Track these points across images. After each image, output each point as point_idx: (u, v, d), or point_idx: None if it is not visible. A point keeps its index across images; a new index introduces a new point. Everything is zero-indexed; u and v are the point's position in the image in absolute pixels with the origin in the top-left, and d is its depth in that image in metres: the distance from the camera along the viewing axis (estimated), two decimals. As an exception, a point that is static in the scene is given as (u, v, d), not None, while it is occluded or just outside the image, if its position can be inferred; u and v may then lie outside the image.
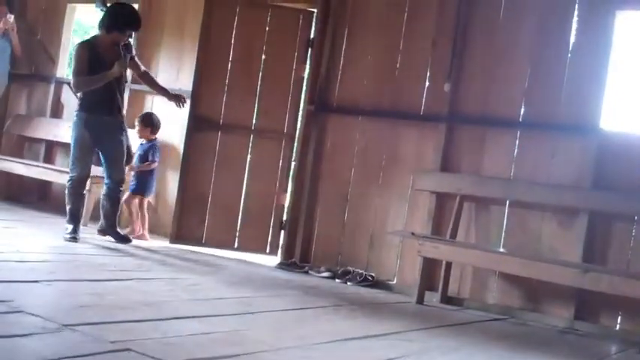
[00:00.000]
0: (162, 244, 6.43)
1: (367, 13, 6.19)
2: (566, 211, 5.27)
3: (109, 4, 6.00)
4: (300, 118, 6.42)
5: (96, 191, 6.51)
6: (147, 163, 6.50)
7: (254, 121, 6.55)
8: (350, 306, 4.70)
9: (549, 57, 5.44)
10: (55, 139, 7.68)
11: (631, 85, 5.42)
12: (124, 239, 5.90)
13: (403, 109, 5.97)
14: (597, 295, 4.86)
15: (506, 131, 5.56)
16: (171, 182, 7.07)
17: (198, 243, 6.47)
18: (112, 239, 5.88)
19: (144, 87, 7.17)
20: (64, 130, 7.18)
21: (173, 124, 7.07)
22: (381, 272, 5.85)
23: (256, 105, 6.55)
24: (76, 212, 5.74)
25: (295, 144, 6.41)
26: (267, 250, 6.44)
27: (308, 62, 6.42)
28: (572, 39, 5.36)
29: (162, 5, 7.35)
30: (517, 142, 5.51)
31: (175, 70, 7.24)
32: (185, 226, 6.54)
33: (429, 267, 5.39)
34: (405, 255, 5.80)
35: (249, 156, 6.54)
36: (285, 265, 6.11)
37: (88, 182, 6.18)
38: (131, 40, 6.04)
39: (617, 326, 5.00)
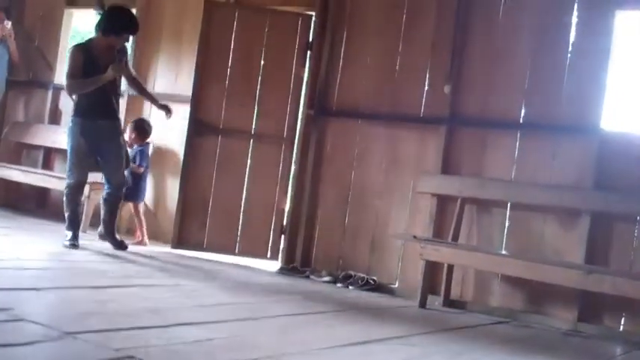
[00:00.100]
0: (162, 249, 6.40)
1: (366, 16, 6.17)
2: (568, 213, 5.25)
3: (107, 7, 5.93)
4: (299, 122, 6.39)
5: (94, 197, 6.48)
6: (134, 166, 6.43)
7: (254, 126, 6.53)
8: (352, 310, 4.67)
9: (549, 58, 5.42)
10: (53, 146, 7.64)
11: (632, 84, 5.40)
12: (121, 245, 5.82)
13: (403, 111, 5.96)
14: (600, 297, 4.85)
15: (507, 133, 5.54)
16: (170, 188, 7.05)
17: (200, 248, 6.44)
18: (110, 245, 5.83)
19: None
20: (62, 137, 7.10)
21: (172, 129, 7.04)
22: (383, 276, 5.83)
23: (256, 109, 6.53)
24: (75, 219, 5.70)
25: (295, 148, 6.38)
26: (268, 255, 6.41)
27: (307, 66, 6.39)
28: (572, 39, 5.35)
29: (160, 10, 7.32)
30: (518, 143, 5.49)
31: (174, 74, 7.22)
32: (186, 232, 6.52)
33: (431, 270, 5.36)
34: (406, 258, 5.77)
35: (249, 160, 6.52)
36: (286, 269, 6.08)
37: (87, 188, 6.16)
38: (127, 45, 6.00)
39: (621, 327, 4.98)
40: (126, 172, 5.91)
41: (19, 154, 8.06)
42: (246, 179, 6.50)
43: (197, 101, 6.56)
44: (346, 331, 3.93)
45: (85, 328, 2.93)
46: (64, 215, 5.71)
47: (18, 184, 7.49)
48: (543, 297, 5.22)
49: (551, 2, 5.48)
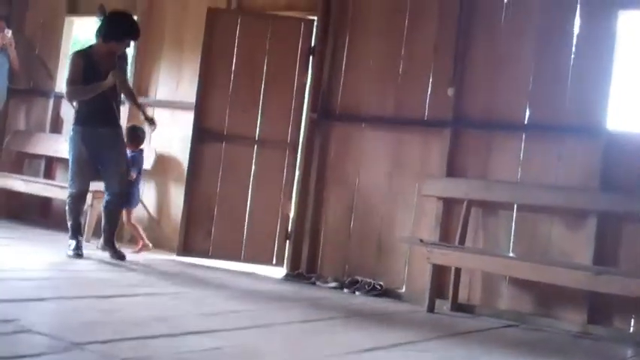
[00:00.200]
0: (166, 257, 6.36)
1: (368, 20, 6.14)
2: (575, 214, 5.21)
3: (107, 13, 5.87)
4: (303, 127, 6.35)
5: (97, 206, 6.43)
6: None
7: (257, 131, 6.49)
8: (360, 316, 4.63)
9: (552, 59, 5.40)
10: (55, 155, 7.60)
11: (637, 84, 5.36)
12: (119, 256, 5.67)
13: (407, 115, 5.93)
14: (609, 298, 4.82)
15: (512, 134, 5.51)
16: (173, 195, 7.02)
17: (205, 255, 6.40)
18: (108, 255, 5.71)
19: (144, 99, 7.14)
20: (63, 145, 7.06)
21: (174, 136, 7.04)
22: (390, 281, 5.78)
23: (259, 115, 6.49)
24: (78, 228, 5.67)
25: (299, 153, 6.35)
26: (274, 262, 6.36)
27: (310, 70, 6.35)
28: (575, 40, 5.32)
29: (162, 17, 7.30)
30: (523, 145, 5.47)
31: (175, 82, 7.19)
32: (191, 239, 6.49)
33: (439, 274, 5.31)
34: (413, 262, 5.73)
35: (253, 166, 6.47)
36: (292, 276, 6.04)
37: (90, 197, 6.12)
38: (128, 52, 5.96)
39: (631, 329, 4.94)
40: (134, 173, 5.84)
41: (21, 163, 8.03)
42: (250, 185, 6.46)
43: (201, 108, 6.55)
44: (355, 337, 3.89)
45: (91, 338, 2.89)
46: (66, 224, 5.68)
47: (20, 194, 7.45)
48: (552, 299, 5.18)
49: (553, 4, 5.45)
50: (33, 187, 7.25)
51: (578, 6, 5.31)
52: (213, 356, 2.92)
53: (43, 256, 5.51)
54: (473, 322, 4.98)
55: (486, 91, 5.62)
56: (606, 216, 5.08)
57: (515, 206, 5.43)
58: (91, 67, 5.51)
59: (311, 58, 6.35)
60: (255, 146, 6.48)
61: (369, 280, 5.74)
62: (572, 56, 5.32)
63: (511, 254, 5.34)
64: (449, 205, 5.64)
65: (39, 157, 7.85)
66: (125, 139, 6.19)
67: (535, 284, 5.12)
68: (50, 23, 8.05)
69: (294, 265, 6.19)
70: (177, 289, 4.79)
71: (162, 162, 7.08)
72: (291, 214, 6.37)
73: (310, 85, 6.32)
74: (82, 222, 5.85)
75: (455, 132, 5.66)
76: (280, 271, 6.22)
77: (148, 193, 7.17)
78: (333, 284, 5.83)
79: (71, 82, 5.51)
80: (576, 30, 5.31)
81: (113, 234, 5.77)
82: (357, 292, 5.65)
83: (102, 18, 5.72)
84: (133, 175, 6.26)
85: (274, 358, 3.06)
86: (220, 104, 6.53)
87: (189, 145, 6.74)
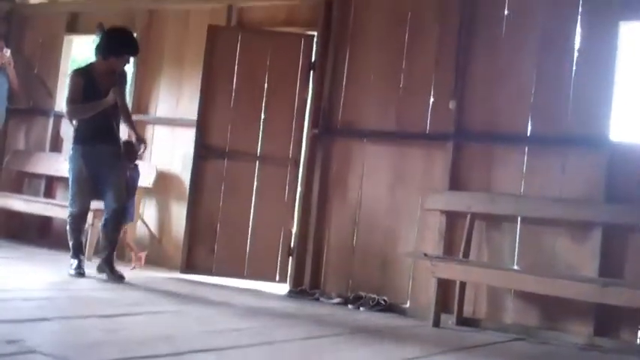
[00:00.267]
0: (168, 275, 6.32)
1: (368, 35, 6.14)
2: (580, 226, 5.18)
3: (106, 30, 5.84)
4: (304, 142, 6.33)
5: (98, 225, 6.36)
6: None
7: (259, 147, 6.48)
8: (365, 332, 4.59)
9: (554, 70, 5.40)
10: (55, 174, 7.57)
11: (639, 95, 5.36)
12: (116, 277, 5.49)
13: (408, 128, 5.91)
14: (616, 310, 4.78)
15: (514, 147, 5.49)
16: (175, 212, 6.99)
17: (208, 272, 6.37)
18: (105, 276, 5.53)
19: (144, 117, 7.15)
20: (64, 164, 7.02)
21: (174, 153, 7.03)
22: (394, 296, 5.74)
23: (261, 131, 6.48)
24: (79, 247, 5.63)
25: (301, 168, 6.33)
26: (277, 278, 6.32)
27: (310, 86, 6.34)
28: (576, 51, 5.32)
29: (161, 34, 7.31)
30: (526, 157, 5.44)
31: (175, 99, 7.18)
32: (194, 256, 6.47)
33: (443, 288, 5.27)
34: (417, 277, 5.70)
35: (255, 183, 6.45)
36: (295, 292, 6.00)
37: (91, 216, 6.07)
38: (127, 69, 5.93)
39: (638, 340, 4.90)
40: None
41: (21, 183, 8.00)
42: (253, 202, 6.43)
43: (203, 125, 6.55)
44: (360, 354, 3.85)
45: (97, 358, 2.87)
46: (67, 243, 5.64)
47: (20, 214, 7.42)
48: (558, 312, 5.14)
49: (553, 16, 5.45)
50: (33, 207, 7.21)
51: (579, 17, 5.31)
52: (221, 375, 2.89)
53: (45, 276, 5.47)
54: (479, 337, 4.94)
55: (488, 103, 5.61)
56: (611, 228, 5.05)
57: (519, 219, 5.40)
58: (90, 85, 5.48)
59: (311, 73, 6.35)
60: (257, 162, 6.46)
61: (373, 296, 5.70)
62: (574, 68, 5.31)
63: (516, 267, 5.30)
64: (452, 218, 5.61)
65: (39, 176, 7.83)
66: None
67: (540, 297, 5.08)
68: (49, 42, 8.04)
69: (297, 281, 6.15)
70: (180, 307, 4.75)
71: (163, 179, 7.05)
72: (294, 230, 6.34)
73: (311, 101, 6.31)
74: (84, 241, 5.81)
75: (457, 145, 5.64)
76: (283, 288, 6.18)
77: (148, 210, 7.14)
78: (337, 300, 5.79)
79: (71, 100, 5.48)
80: (577, 41, 5.31)
81: (112, 254, 5.61)
82: (361, 308, 5.61)
83: (101, 35, 5.70)
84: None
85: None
86: (222, 121, 6.53)
87: (190, 162, 6.74)
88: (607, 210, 5.07)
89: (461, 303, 5.38)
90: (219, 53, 6.55)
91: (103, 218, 5.68)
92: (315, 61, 6.34)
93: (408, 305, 5.70)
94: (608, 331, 4.96)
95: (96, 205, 5.90)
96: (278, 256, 6.35)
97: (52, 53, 8.00)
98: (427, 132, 5.83)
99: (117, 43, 5.51)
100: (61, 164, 7.27)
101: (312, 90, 6.31)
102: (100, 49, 5.54)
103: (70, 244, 5.58)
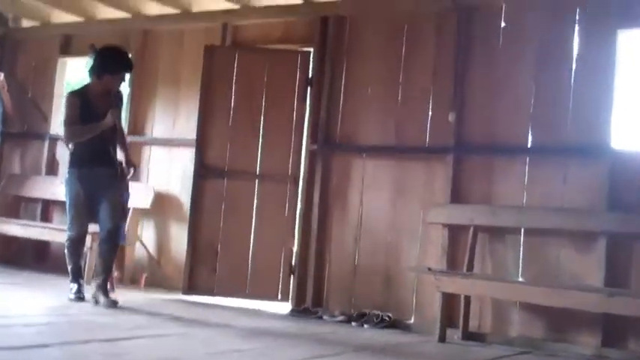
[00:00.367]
0: (169, 297, 6.25)
1: (364, 48, 6.12)
2: (584, 236, 5.15)
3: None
4: (303, 159, 6.28)
5: (97, 248, 6.33)
6: None
7: (258, 166, 6.44)
8: (370, 350, 4.53)
9: (553, 80, 5.38)
10: (52, 198, 7.49)
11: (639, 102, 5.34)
12: (110, 303, 5.27)
13: (408, 142, 5.88)
14: (623, 320, 4.75)
15: (515, 158, 5.46)
16: (174, 233, 6.93)
17: (210, 293, 6.33)
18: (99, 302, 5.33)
19: (140, 138, 7.10)
20: (60, 188, 6.92)
21: (172, 173, 6.99)
22: (398, 312, 5.68)
23: (260, 149, 6.45)
24: (78, 271, 5.54)
25: (300, 185, 6.28)
26: (279, 297, 6.25)
27: (308, 102, 6.31)
28: (575, 60, 5.30)
29: (156, 54, 7.28)
30: (527, 168, 5.42)
31: (171, 118, 7.14)
32: (196, 277, 6.42)
33: (448, 302, 5.22)
34: (421, 292, 5.64)
35: (255, 201, 6.40)
36: (297, 311, 5.94)
37: (89, 239, 5.98)
38: (123, 89, 5.87)
39: (646, 350, 4.85)
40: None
41: (17, 207, 7.92)
42: (253, 220, 6.39)
43: (202, 145, 6.54)
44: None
45: (101, 384, 2.79)
46: (65, 268, 5.55)
47: (16, 238, 7.34)
48: (564, 323, 5.09)
49: (550, 25, 5.44)
50: (30, 232, 7.14)
51: (576, 27, 5.30)
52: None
53: (44, 301, 5.40)
54: (485, 351, 4.89)
55: (487, 115, 5.58)
56: (616, 236, 5.01)
57: (523, 230, 5.36)
58: (87, 106, 5.40)
59: (309, 89, 6.32)
60: (257, 180, 6.42)
61: (377, 312, 5.64)
62: (573, 77, 5.29)
63: (520, 279, 5.25)
64: (455, 232, 5.56)
65: (35, 200, 7.76)
66: None
67: (546, 309, 5.04)
68: (43, 65, 8.00)
69: (299, 299, 6.09)
70: (182, 330, 4.68)
71: (161, 200, 6.99)
72: (295, 248, 6.28)
73: (309, 116, 6.28)
74: (83, 264, 5.73)
75: (457, 158, 5.60)
76: (286, 307, 6.11)
77: (147, 232, 7.08)
78: (341, 318, 5.72)
79: (69, 122, 5.40)
80: (575, 50, 5.30)
81: (107, 280, 5.45)
82: (365, 325, 5.54)
83: (94, 55, 5.64)
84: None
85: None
86: (221, 140, 6.51)
87: (188, 182, 6.72)
88: (611, 219, 5.04)
89: (466, 317, 5.33)
90: (217, 72, 6.54)
91: (98, 239, 5.59)
92: (312, 76, 6.31)
93: (412, 321, 5.64)
94: (616, 342, 4.92)
95: (94, 228, 5.82)
96: (280, 274, 6.29)
97: (46, 76, 7.95)
98: (427, 145, 5.80)
99: (110, 61, 5.45)
100: (57, 188, 7.19)
101: (310, 106, 6.29)
102: (94, 70, 5.47)
103: (69, 268, 5.50)
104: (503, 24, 5.57)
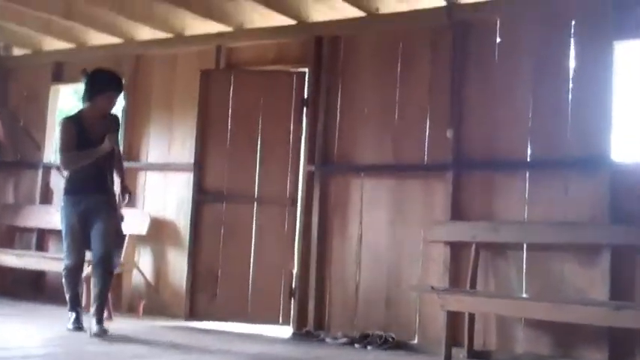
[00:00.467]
0: (168, 324, 6.16)
1: (360, 67, 6.10)
2: (587, 249, 5.09)
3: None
4: (301, 180, 6.23)
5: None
6: None
7: (256, 189, 6.39)
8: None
9: (550, 93, 5.36)
10: (47, 227, 7.42)
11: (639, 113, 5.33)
12: (98, 331, 5.11)
13: (406, 160, 5.85)
14: (630, 333, 4.69)
15: (515, 173, 5.43)
16: (171, 259, 6.86)
17: (211, 318, 6.28)
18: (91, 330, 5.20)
19: (135, 163, 7.05)
20: (55, 216, 6.85)
21: (167, 198, 6.93)
22: (401, 332, 5.61)
23: (257, 171, 6.40)
24: (76, 299, 5.45)
25: (298, 206, 6.22)
26: (280, 321, 6.17)
27: (304, 122, 6.27)
28: (572, 73, 5.29)
29: (149, 79, 7.25)
30: (527, 182, 5.38)
31: (166, 143, 7.09)
32: (197, 303, 6.38)
33: (451, 321, 5.16)
34: (424, 311, 5.58)
35: (254, 224, 6.35)
36: (299, 335, 5.87)
37: (87, 267, 5.90)
38: (117, 112, 5.80)
39: (655, 363, 4.79)
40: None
41: (12, 237, 7.83)
42: (252, 244, 6.34)
43: (200, 169, 6.53)
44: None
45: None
46: (62, 297, 5.46)
47: (12, 269, 7.23)
48: (570, 339, 5.03)
49: (546, 39, 5.43)
50: (26, 261, 7.05)
51: (572, 39, 5.29)
52: None
53: (42, 332, 5.29)
54: (493, 369, 4.82)
55: (486, 130, 5.55)
56: (619, 249, 4.96)
57: (525, 246, 5.31)
58: (82, 132, 5.32)
59: (305, 109, 6.29)
60: (255, 203, 6.38)
61: (380, 333, 5.57)
62: (570, 90, 5.27)
63: (525, 295, 5.19)
64: (456, 249, 5.51)
65: (30, 230, 7.67)
66: None
67: (551, 325, 4.99)
68: (35, 93, 7.95)
69: (300, 322, 6.02)
70: (185, 357, 4.61)
71: (157, 226, 6.91)
72: (294, 271, 6.20)
73: (306, 137, 6.24)
74: (81, 292, 5.63)
75: (457, 174, 5.56)
76: (287, 330, 6.03)
77: (143, 258, 7.00)
78: (343, 340, 5.65)
79: (65, 149, 5.30)
80: (572, 63, 5.29)
81: (100, 308, 5.26)
82: (368, 347, 5.47)
83: (85, 80, 5.57)
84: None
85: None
86: (218, 164, 6.50)
87: (184, 207, 6.70)
88: (614, 231, 4.99)
89: (471, 335, 5.26)
90: (213, 96, 6.54)
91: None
92: (307, 97, 6.29)
93: (416, 341, 5.58)
94: (624, 355, 4.86)
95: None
96: (280, 297, 6.22)
97: (38, 104, 7.90)
98: (425, 163, 5.77)
99: (100, 81, 5.37)
100: (52, 216, 7.13)
101: (307, 126, 6.25)
102: (85, 94, 5.40)
103: (67, 296, 5.41)
104: (498, 39, 5.56)
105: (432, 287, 5.26)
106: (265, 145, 6.41)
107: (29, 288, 7.50)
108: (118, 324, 5.62)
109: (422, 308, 5.59)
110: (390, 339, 5.52)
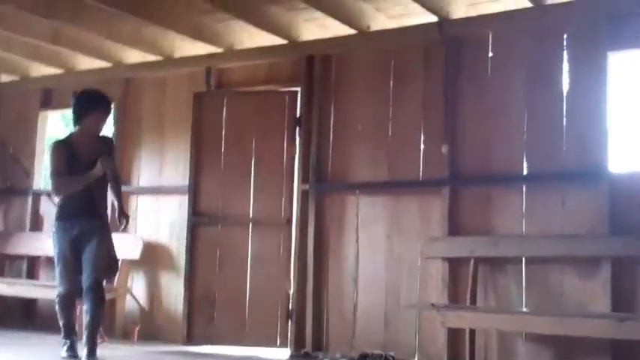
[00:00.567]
0: (164, 349, 6.06)
1: (352, 85, 6.09)
2: (587, 261, 5.06)
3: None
4: (295, 199, 6.18)
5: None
6: None
7: (251, 210, 6.34)
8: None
9: (544, 106, 5.35)
10: (37, 254, 7.32)
11: (635, 123, 5.32)
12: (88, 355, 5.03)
13: (401, 177, 5.81)
14: (633, 345, 4.63)
15: (512, 187, 5.41)
16: (164, 283, 6.77)
17: (209, 342, 6.20)
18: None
19: (126, 187, 6.95)
20: (46, 243, 6.75)
21: (160, 222, 6.86)
22: (401, 351, 5.54)
23: (252, 193, 6.35)
24: (70, 326, 5.30)
25: (294, 226, 6.16)
26: (278, 342, 6.09)
27: (297, 141, 6.24)
28: (566, 85, 5.29)
29: (139, 102, 7.20)
30: (524, 196, 5.36)
31: (157, 166, 7.03)
32: (195, 327, 6.30)
33: (452, 338, 5.10)
34: (423, 329, 5.52)
35: (250, 246, 6.29)
36: (297, 356, 5.80)
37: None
38: (108, 132, 5.72)
39: (659, 376, 4.74)
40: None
41: (2, 265, 7.71)
42: (249, 266, 6.27)
43: (195, 192, 6.49)
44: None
45: None
46: (55, 325, 5.31)
47: (2, 297, 7.10)
48: (572, 352, 5.00)
49: (539, 52, 5.43)
50: (17, 289, 6.94)
51: (565, 51, 5.30)
52: None
53: (35, 360, 5.20)
54: (496, 385, 4.75)
55: (481, 144, 5.53)
56: (620, 261, 4.93)
57: (524, 260, 5.27)
58: (72, 156, 5.22)
59: (297, 128, 6.25)
60: (250, 225, 6.33)
61: (379, 353, 5.48)
62: (565, 102, 5.26)
63: (525, 309, 5.14)
64: (455, 265, 5.46)
65: (20, 257, 7.56)
66: None
67: (552, 339, 4.96)
68: (23, 120, 7.89)
69: (298, 344, 5.95)
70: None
71: (150, 250, 6.83)
72: (291, 292, 6.13)
73: (299, 156, 6.20)
74: (75, 319, 5.50)
75: (453, 190, 5.53)
76: (285, 352, 5.94)
77: (137, 283, 6.91)
78: (342, 360, 5.58)
79: (56, 174, 5.18)
80: (566, 75, 5.28)
81: (91, 335, 5.08)
82: (368, 367, 5.40)
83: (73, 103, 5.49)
84: None
85: None
86: (213, 186, 6.46)
87: (177, 231, 6.65)
88: (614, 243, 4.96)
89: (472, 352, 5.19)
90: (206, 118, 6.52)
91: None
92: (300, 116, 6.26)
93: (416, 359, 5.50)
94: (627, 368, 4.81)
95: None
96: (277, 319, 6.14)
97: (27, 131, 7.83)
98: (421, 179, 5.73)
99: (86, 102, 5.25)
100: (42, 243, 7.03)
101: (300, 145, 6.21)
102: (73, 116, 5.31)
103: (61, 323, 5.27)
104: (491, 53, 5.56)
105: (432, 304, 5.21)
106: (259, 165, 6.37)
107: (21, 316, 7.38)
108: (112, 350, 5.51)
109: (421, 326, 5.53)
110: (390, 358, 5.44)
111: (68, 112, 6.52)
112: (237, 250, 6.30)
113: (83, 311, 5.31)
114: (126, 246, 6.34)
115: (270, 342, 6.11)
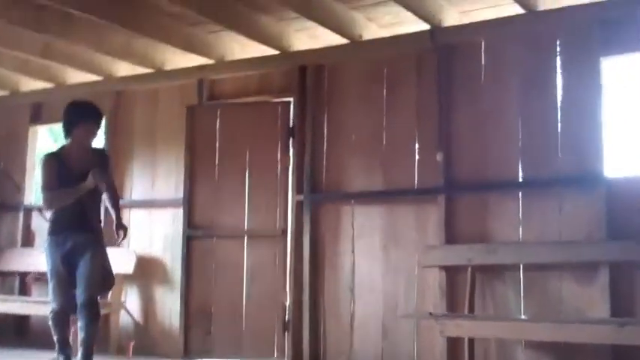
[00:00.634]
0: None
1: (345, 94, 6.07)
2: (585, 267, 5.05)
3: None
4: (290, 210, 6.14)
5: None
6: None
7: (246, 222, 6.30)
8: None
9: (539, 112, 5.35)
10: (28, 270, 7.23)
11: (630, 128, 5.31)
12: None
13: (396, 186, 5.79)
14: (633, 350, 4.59)
15: (508, 193, 5.40)
16: (159, 297, 6.71)
17: (207, 355, 6.14)
18: None
19: (120, 201, 6.88)
20: (37, 259, 6.69)
21: (153, 235, 6.81)
22: (399, 361, 5.51)
23: (246, 204, 6.31)
24: (65, 342, 5.23)
25: (289, 237, 6.12)
26: (275, 354, 6.04)
27: (291, 152, 6.21)
28: (560, 91, 5.28)
29: (130, 115, 7.16)
30: (520, 203, 5.34)
31: (150, 179, 6.98)
32: (192, 341, 6.25)
33: (452, 347, 5.06)
34: (421, 339, 5.49)
35: (245, 258, 6.24)
36: (295, 368, 5.74)
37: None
38: (100, 143, 5.66)
39: (660, 381, 4.72)
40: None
41: (-7, 282, 7.64)
42: (244, 278, 6.22)
43: (190, 205, 6.46)
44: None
45: None
46: (48, 342, 5.24)
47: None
48: (573, 359, 4.96)
49: (532, 58, 5.43)
50: (9, 306, 6.87)
51: (558, 57, 5.29)
52: None
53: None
54: (497, 394, 4.72)
55: (476, 152, 5.52)
56: (618, 266, 4.92)
57: (522, 267, 5.25)
58: (64, 169, 5.15)
59: (291, 139, 6.22)
60: (245, 237, 6.29)
61: (378, 363, 5.46)
62: (559, 108, 5.26)
63: (524, 317, 5.12)
64: (452, 273, 5.44)
65: (12, 273, 7.48)
66: None
67: (552, 345, 4.94)
68: (13, 135, 7.83)
69: (295, 356, 5.91)
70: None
71: (144, 264, 6.77)
72: (287, 303, 6.08)
73: (293, 167, 6.17)
74: (69, 334, 5.43)
75: (449, 197, 5.51)
76: (283, 364, 5.91)
77: (130, 297, 6.84)
78: (341, 372, 5.53)
79: (48, 187, 5.09)
80: (559, 81, 5.28)
81: (86, 353, 4.94)
82: (367, 377, 5.36)
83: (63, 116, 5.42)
84: None
85: None
86: (207, 199, 6.43)
87: (170, 244, 6.61)
88: (612, 248, 4.95)
89: (471, 361, 5.17)
90: (200, 131, 6.50)
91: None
92: (293, 126, 6.23)
93: (415, 369, 5.48)
94: (628, 374, 4.79)
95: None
96: (274, 331, 6.09)
97: (17, 145, 7.77)
98: (416, 187, 5.71)
99: (75, 114, 5.18)
100: (35, 259, 6.96)
101: (294, 156, 6.18)
102: (64, 129, 5.24)
103: (55, 338, 5.18)
104: (483, 60, 5.55)
105: (430, 313, 5.17)
106: (253, 176, 6.34)
107: (13, 333, 7.29)
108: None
109: (420, 335, 5.50)
110: (389, 368, 5.42)
111: (57, 127, 6.49)
112: (233, 262, 6.25)
113: (78, 328, 5.25)
114: (119, 260, 6.23)
115: (267, 354, 6.06)
